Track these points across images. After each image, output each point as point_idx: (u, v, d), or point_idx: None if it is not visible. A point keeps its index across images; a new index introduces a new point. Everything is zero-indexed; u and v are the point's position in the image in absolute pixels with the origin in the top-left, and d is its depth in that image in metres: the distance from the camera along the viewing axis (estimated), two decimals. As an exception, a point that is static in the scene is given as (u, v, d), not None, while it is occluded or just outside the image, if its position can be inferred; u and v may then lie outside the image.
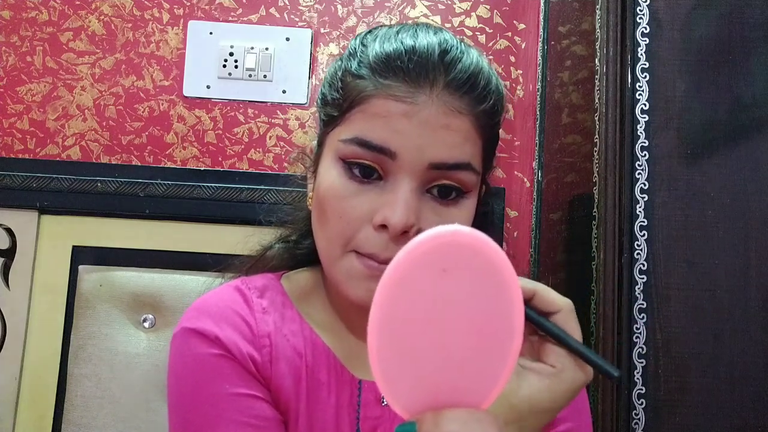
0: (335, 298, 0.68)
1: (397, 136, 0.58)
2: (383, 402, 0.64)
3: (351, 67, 0.62)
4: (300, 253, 0.74)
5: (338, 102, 0.62)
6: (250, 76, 1.25)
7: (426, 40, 0.61)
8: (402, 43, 0.60)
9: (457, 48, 0.61)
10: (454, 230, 0.40)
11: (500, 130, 0.68)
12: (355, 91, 0.60)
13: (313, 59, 1.27)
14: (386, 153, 0.58)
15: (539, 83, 1.24)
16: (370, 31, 0.66)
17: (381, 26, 0.66)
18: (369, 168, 0.59)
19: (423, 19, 1.28)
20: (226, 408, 0.61)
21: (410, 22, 0.69)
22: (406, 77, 0.58)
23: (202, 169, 1.23)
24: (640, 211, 0.91)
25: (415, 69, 0.59)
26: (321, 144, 0.65)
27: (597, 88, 0.96)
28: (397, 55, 0.59)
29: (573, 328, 0.50)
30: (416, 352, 0.41)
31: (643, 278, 0.89)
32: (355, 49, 0.64)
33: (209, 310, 0.65)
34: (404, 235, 0.57)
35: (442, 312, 0.41)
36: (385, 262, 0.57)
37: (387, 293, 0.40)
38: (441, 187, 0.60)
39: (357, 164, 0.59)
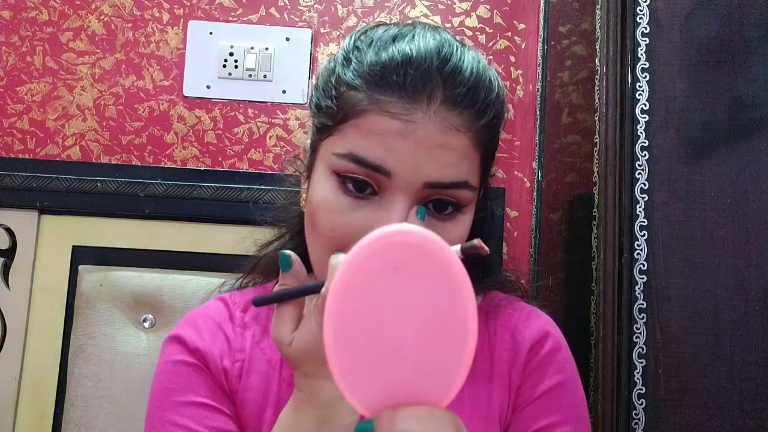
0: None
1: (392, 155, 0.56)
2: None
3: (345, 75, 0.60)
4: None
5: (332, 111, 0.60)
6: (250, 76, 1.25)
7: (424, 46, 0.58)
8: (398, 51, 0.58)
9: (456, 55, 0.59)
10: (400, 230, 0.41)
11: (501, 131, 0.67)
12: (349, 103, 0.58)
13: (313, 59, 1.27)
14: (381, 171, 0.56)
15: (539, 83, 1.24)
16: (364, 32, 0.63)
17: (377, 25, 0.63)
18: (363, 183, 0.58)
19: (423, 20, 1.28)
20: (185, 414, 0.64)
21: (407, 21, 0.66)
22: (402, 92, 0.56)
23: (202, 169, 1.23)
24: (640, 211, 0.91)
25: (411, 83, 0.56)
26: (314, 150, 0.63)
27: (597, 88, 0.96)
28: (393, 66, 0.57)
29: None
30: (372, 351, 0.41)
31: (643, 278, 0.90)
32: (348, 53, 0.61)
33: (196, 321, 0.70)
34: None
35: (396, 311, 0.41)
36: None
37: (340, 292, 0.41)
38: (437, 202, 0.59)
39: (351, 179, 0.58)
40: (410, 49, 0.58)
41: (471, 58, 0.60)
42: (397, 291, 0.41)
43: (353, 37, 0.63)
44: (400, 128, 0.56)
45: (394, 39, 0.60)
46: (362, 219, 0.58)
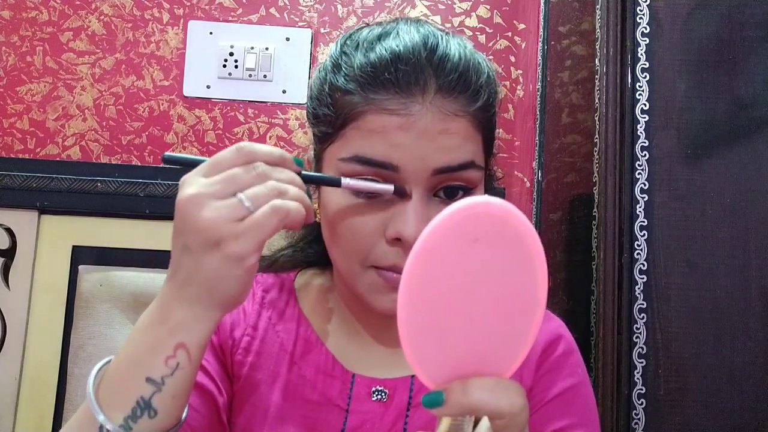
0: (347, 301, 0.69)
1: (396, 150, 0.57)
2: (373, 397, 0.64)
3: (337, 81, 0.60)
4: (309, 258, 0.75)
5: (330, 118, 0.61)
6: (250, 76, 1.25)
7: (410, 40, 0.59)
8: (386, 49, 0.58)
9: (442, 44, 0.59)
10: (486, 201, 0.41)
11: (500, 128, 0.67)
12: (346, 108, 0.59)
13: (313, 59, 1.27)
14: (388, 168, 0.57)
15: (539, 83, 1.24)
16: (349, 36, 0.64)
17: (360, 28, 0.64)
18: (373, 182, 0.58)
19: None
20: None
21: (390, 18, 0.66)
22: (396, 88, 0.57)
23: (202, 169, 1.23)
24: (640, 211, 0.91)
25: (404, 78, 0.57)
26: (319, 160, 0.64)
27: (597, 88, 0.96)
28: (383, 65, 0.58)
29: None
30: (444, 322, 0.41)
31: (643, 278, 0.90)
32: (337, 59, 0.62)
33: None
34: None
35: (471, 282, 0.41)
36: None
37: (419, 264, 0.40)
38: (447, 189, 0.59)
39: (360, 179, 0.58)
40: (397, 45, 0.59)
41: (457, 45, 0.61)
42: (474, 262, 0.41)
43: (339, 43, 0.64)
44: (400, 123, 0.57)
45: (380, 38, 0.60)
46: (378, 218, 0.58)
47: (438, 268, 0.40)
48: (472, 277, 0.41)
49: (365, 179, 0.58)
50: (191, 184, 0.50)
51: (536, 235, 0.41)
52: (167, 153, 0.56)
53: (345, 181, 0.57)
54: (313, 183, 0.59)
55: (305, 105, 1.26)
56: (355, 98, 0.58)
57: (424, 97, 0.57)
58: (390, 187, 0.56)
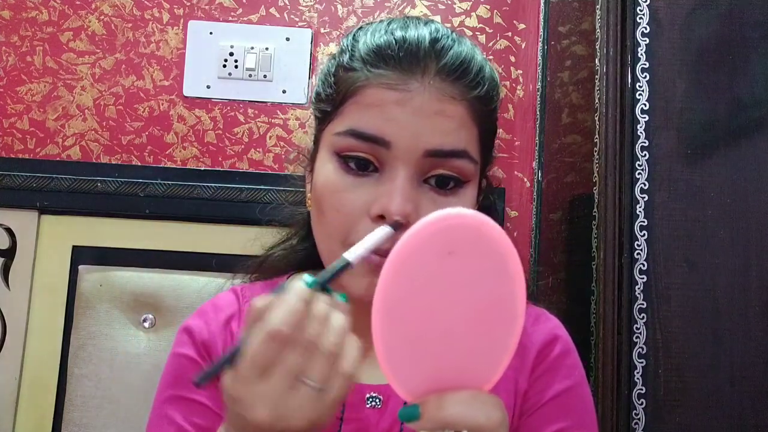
0: None
1: (391, 125, 0.57)
2: (368, 404, 0.64)
3: (343, 61, 0.62)
4: (300, 255, 0.74)
5: (331, 96, 0.62)
6: (250, 76, 1.25)
7: (417, 30, 0.61)
8: (392, 34, 0.61)
9: (448, 37, 0.61)
10: (459, 213, 0.40)
11: (500, 128, 0.68)
12: (347, 83, 0.60)
13: (313, 59, 1.27)
14: (381, 142, 0.57)
15: (539, 83, 1.24)
16: (360, 27, 0.66)
17: (372, 21, 0.66)
18: (364, 161, 0.59)
19: (423, 19, 1.28)
20: (177, 408, 0.65)
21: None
22: (397, 65, 0.58)
23: (202, 169, 1.23)
24: (640, 211, 0.91)
25: (406, 57, 0.59)
26: (317, 142, 0.65)
27: (597, 88, 0.96)
28: (387, 44, 0.60)
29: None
30: (420, 334, 0.41)
31: (643, 278, 0.89)
32: (347, 45, 0.64)
33: (207, 314, 0.71)
34: (404, 226, 0.57)
35: (446, 294, 0.41)
36: (387, 254, 0.57)
37: (392, 275, 0.40)
38: (439, 177, 0.59)
39: (352, 157, 0.59)
40: (404, 32, 0.61)
41: (462, 40, 0.63)
42: (449, 274, 0.40)
43: (351, 33, 0.66)
44: (398, 98, 0.58)
45: (389, 25, 0.63)
46: (365, 195, 0.58)
47: (413, 280, 0.40)
48: (448, 289, 0.41)
49: (357, 158, 0.58)
50: (259, 399, 0.43)
51: (512, 246, 0.41)
52: (197, 378, 0.46)
53: (351, 256, 0.50)
54: (330, 280, 0.50)
55: (305, 105, 1.26)
56: (357, 74, 0.60)
57: (424, 76, 0.58)
58: (389, 230, 0.53)
